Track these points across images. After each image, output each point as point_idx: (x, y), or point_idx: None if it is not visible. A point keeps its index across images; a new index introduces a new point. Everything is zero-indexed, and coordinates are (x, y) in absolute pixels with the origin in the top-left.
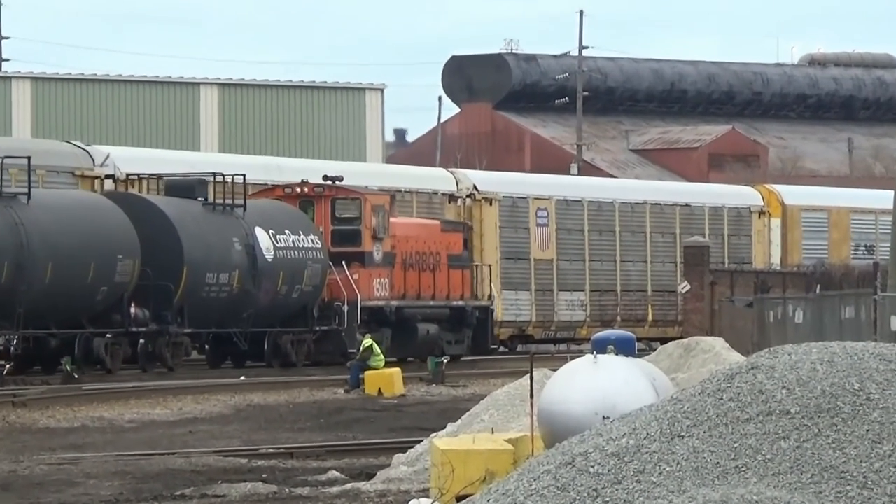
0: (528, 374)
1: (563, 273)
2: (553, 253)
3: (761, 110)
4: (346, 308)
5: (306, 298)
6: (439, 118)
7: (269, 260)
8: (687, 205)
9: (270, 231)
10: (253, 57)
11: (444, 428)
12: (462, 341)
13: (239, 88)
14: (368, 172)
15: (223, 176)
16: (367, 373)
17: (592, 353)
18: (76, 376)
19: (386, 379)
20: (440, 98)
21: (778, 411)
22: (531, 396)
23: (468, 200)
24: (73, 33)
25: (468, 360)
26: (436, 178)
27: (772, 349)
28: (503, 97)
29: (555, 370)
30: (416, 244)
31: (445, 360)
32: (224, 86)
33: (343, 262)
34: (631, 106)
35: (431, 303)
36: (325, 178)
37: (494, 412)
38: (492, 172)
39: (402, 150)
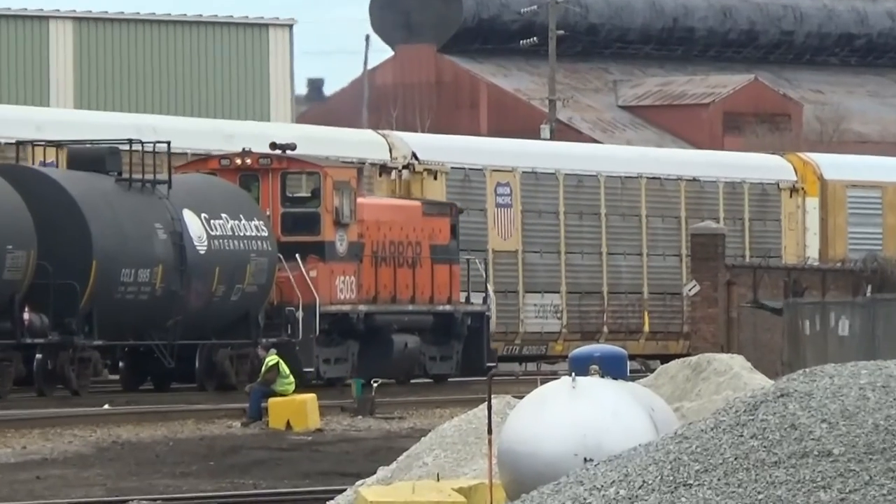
0: (486, 403)
1: (531, 269)
2: (518, 242)
3: (793, 55)
4: (300, 314)
5: (249, 302)
6: (365, 64)
7: (202, 252)
8: (695, 179)
9: (203, 215)
10: None
11: (375, 473)
12: (450, 357)
13: (101, 24)
14: (264, 135)
15: (142, 143)
16: (271, 400)
17: (570, 375)
18: None
19: (297, 408)
20: (367, 38)
21: (816, 452)
22: (489, 432)
23: (405, 172)
24: None
25: (417, 385)
26: (362, 144)
27: (808, 370)
28: (451, 37)
29: (520, 397)
30: (390, 232)
31: (376, 384)
32: (81, 20)
33: (297, 255)
34: (621, 49)
35: (410, 307)
36: (273, 145)
37: (440, 452)
38: (437, 136)
39: (317, 106)
